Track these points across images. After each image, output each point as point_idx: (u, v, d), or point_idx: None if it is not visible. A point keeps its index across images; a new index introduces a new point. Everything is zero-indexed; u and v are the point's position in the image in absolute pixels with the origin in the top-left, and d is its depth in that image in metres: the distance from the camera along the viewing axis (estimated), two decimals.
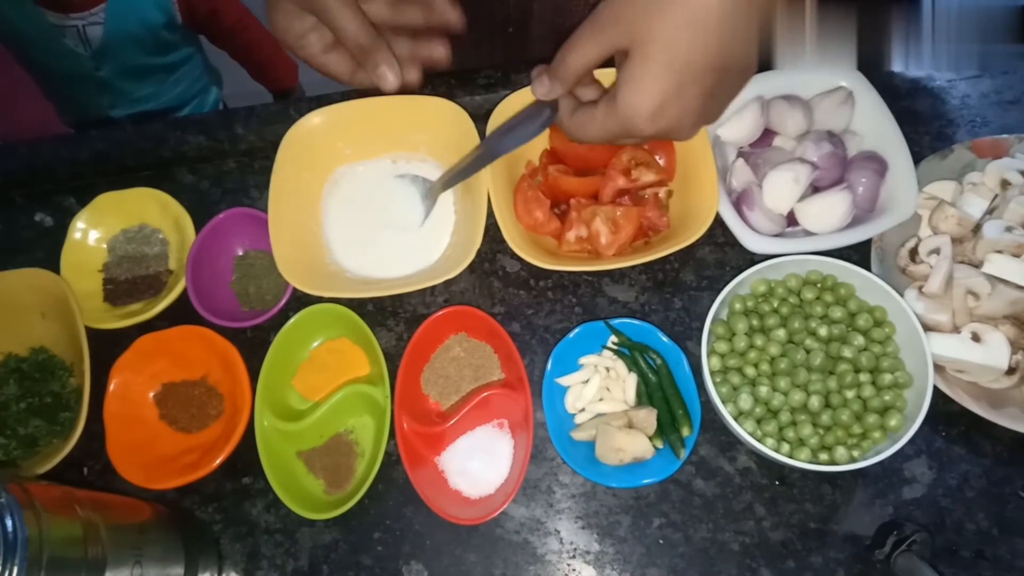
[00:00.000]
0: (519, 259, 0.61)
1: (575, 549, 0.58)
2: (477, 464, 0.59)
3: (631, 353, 0.60)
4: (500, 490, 0.58)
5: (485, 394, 0.58)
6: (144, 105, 1.24)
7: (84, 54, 1.14)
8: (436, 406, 0.61)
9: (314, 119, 0.66)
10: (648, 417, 0.56)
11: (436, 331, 0.62)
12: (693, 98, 0.49)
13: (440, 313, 0.60)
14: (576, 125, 0.55)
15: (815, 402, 0.55)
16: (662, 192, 0.65)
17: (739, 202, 0.63)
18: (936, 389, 0.55)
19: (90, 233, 0.70)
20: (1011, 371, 0.58)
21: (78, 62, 1.15)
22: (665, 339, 0.59)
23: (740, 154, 0.67)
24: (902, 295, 0.58)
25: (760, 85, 0.66)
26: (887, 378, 0.55)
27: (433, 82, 0.72)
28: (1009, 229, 0.59)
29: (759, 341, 0.58)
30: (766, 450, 0.52)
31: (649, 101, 0.48)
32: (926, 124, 0.71)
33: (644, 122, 0.49)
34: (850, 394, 0.55)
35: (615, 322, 0.60)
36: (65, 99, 1.29)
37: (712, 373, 0.57)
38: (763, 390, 0.56)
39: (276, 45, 1.30)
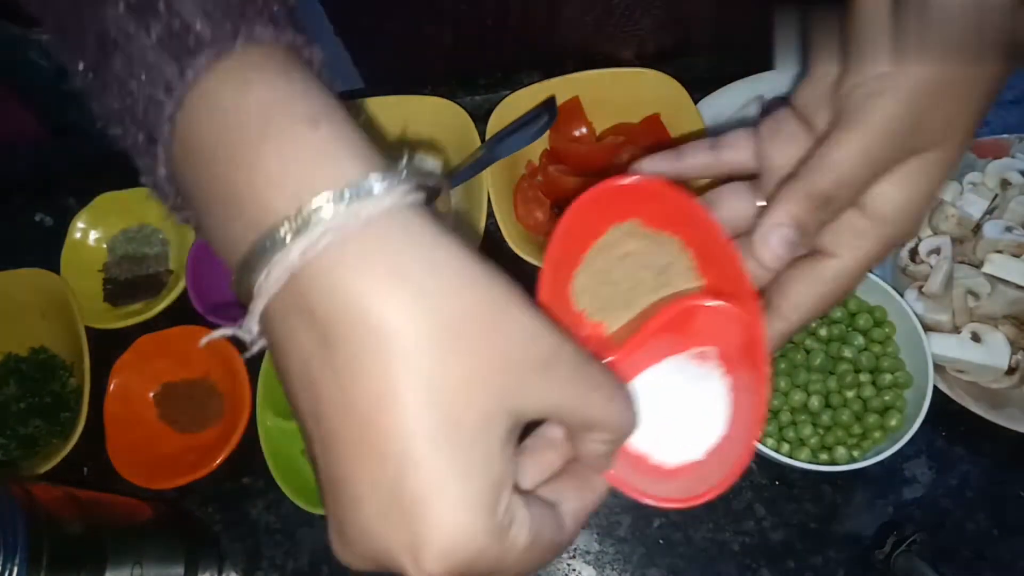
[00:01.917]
0: (519, 259, 0.61)
1: (575, 549, 0.58)
2: (671, 414, 0.38)
3: None
4: (715, 455, 0.38)
5: (680, 307, 0.37)
6: None
7: (48, 67, 1.14)
8: (597, 329, 0.41)
9: None
10: None
11: (591, 219, 0.40)
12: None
13: (595, 191, 0.39)
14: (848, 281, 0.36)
15: (815, 402, 0.55)
16: None
17: None
18: (936, 389, 0.55)
19: (90, 233, 0.70)
20: (1011, 371, 0.58)
21: (41, 74, 1.14)
22: None
23: None
24: (902, 295, 0.58)
25: (760, 85, 0.66)
26: (887, 378, 0.55)
27: (433, 82, 0.72)
28: (1009, 229, 0.59)
29: None
30: (766, 450, 0.52)
31: (927, 201, 0.35)
32: None
33: (918, 225, 0.37)
34: (850, 394, 0.55)
35: None
36: (36, 107, 1.29)
37: None
38: None
39: None
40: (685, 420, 0.38)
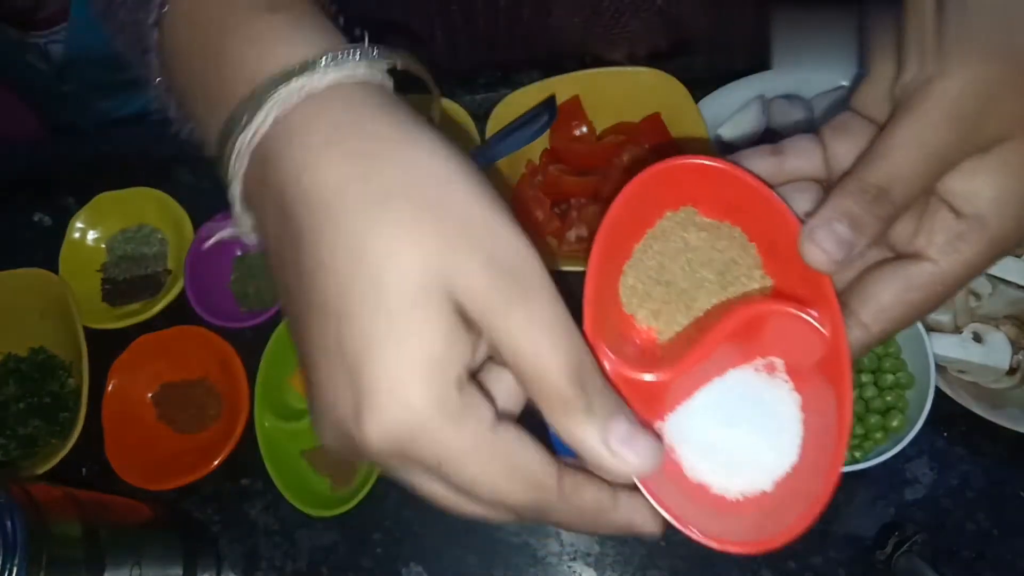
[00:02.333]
0: None
1: (575, 551, 0.58)
2: (734, 436, 0.33)
3: None
4: (784, 486, 0.32)
5: (750, 314, 0.32)
6: (113, 114, 1.22)
7: (47, 70, 1.13)
8: (648, 335, 0.35)
9: None
10: None
11: (640, 206, 0.34)
12: None
13: (646, 174, 0.33)
14: (918, 299, 0.32)
15: None
16: None
17: None
18: (938, 389, 0.55)
19: (89, 233, 0.70)
20: (1012, 371, 0.58)
21: (41, 76, 1.14)
22: None
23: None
24: None
25: (760, 85, 0.66)
26: (889, 379, 0.55)
27: (434, 81, 0.72)
28: None
29: None
30: None
31: None
32: None
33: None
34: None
35: None
36: (35, 108, 1.29)
37: None
38: None
39: None
40: (750, 443, 0.32)
